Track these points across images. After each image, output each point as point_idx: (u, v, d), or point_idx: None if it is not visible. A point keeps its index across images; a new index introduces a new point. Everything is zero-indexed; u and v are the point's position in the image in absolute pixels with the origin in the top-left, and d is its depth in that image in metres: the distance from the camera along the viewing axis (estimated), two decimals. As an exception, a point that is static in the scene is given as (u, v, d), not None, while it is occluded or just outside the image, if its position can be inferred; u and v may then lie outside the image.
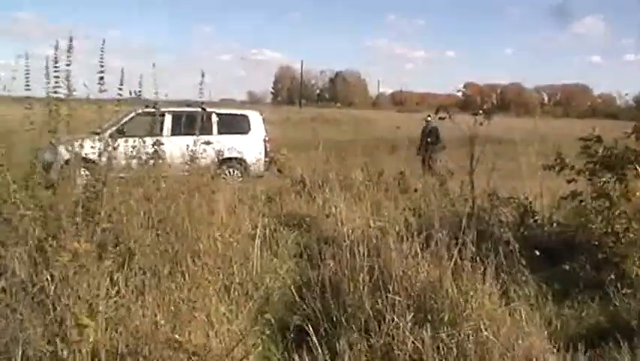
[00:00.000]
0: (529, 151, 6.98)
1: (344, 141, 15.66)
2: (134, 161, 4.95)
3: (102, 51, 4.66)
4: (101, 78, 4.59)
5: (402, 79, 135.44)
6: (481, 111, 5.36)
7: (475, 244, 4.15)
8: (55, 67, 4.43)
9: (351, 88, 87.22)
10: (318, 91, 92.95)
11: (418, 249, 4.23)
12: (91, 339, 2.76)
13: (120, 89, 4.80)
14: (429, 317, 3.60)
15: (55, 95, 4.44)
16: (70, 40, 4.43)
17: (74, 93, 4.49)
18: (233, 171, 10.40)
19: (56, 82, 4.43)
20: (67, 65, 4.43)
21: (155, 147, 5.12)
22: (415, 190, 7.13)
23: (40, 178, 4.39)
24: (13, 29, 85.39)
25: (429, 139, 11.80)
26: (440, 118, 5.91)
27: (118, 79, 4.73)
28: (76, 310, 2.99)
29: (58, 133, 4.49)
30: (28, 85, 4.52)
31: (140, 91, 5.06)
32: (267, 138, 11.41)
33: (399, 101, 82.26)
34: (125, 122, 8.75)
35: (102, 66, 4.60)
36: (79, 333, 2.74)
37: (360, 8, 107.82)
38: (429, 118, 12.35)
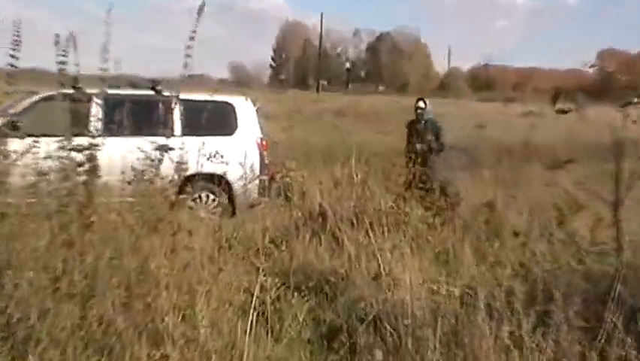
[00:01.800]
0: None
1: (391, 149, 15.63)
2: (45, 177, 4.89)
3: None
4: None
5: (487, 46, 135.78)
6: (637, 99, 5.22)
7: (628, 330, 4.06)
8: None
9: (403, 60, 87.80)
10: (347, 65, 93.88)
11: (527, 336, 4.16)
12: None
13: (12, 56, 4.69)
14: None
15: None
16: None
17: None
18: (208, 197, 10.38)
19: None
20: None
21: (86, 153, 5.08)
22: (516, 234, 7.02)
23: None
24: None
25: (421, 144, 11.30)
26: (559, 112, 5.79)
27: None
28: None
29: None
30: None
31: (63, 62, 5.02)
32: (264, 142, 11.39)
33: (483, 82, 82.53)
34: (22, 113, 8.76)
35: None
36: None
37: None
38: (421, 105, 11.87)
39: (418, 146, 11.14)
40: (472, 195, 9.93)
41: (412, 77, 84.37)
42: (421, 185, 9.75)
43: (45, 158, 4.96)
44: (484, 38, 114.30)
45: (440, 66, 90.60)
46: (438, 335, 4.25)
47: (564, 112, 5.66)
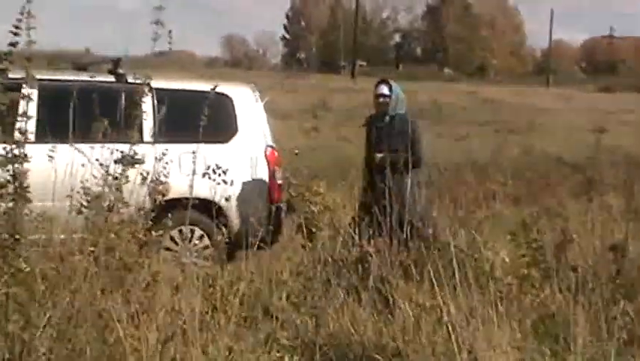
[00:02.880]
0: None
1: (464, 163, 15.76)
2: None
3: None
4: None
5: (610, 9, 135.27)
6: None
7: None
8: None
9: (480, 31, 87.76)
10: (397, 38, 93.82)
11: None
12: None
13: None
14: None
15: None
16: None
17: None
18: (193, 233, 10.39)
19: None
20: None
21: (10, 168, 5.15)
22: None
23: None
24: None
25: (382, 154, 10.37)
26: None
27: None
28: None
29: None
30: None
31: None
32: (275, 153, 11.43)
33: (604, 62, 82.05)
34: None
35: None
36: None
37: None
38: (384, 90, 10.71)
39: (378, 156, 10.37)
40: (589, 234, 9.86)
41: (493, 55, 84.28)
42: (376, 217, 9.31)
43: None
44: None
45: (537, 39, 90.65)
46: None
47: None
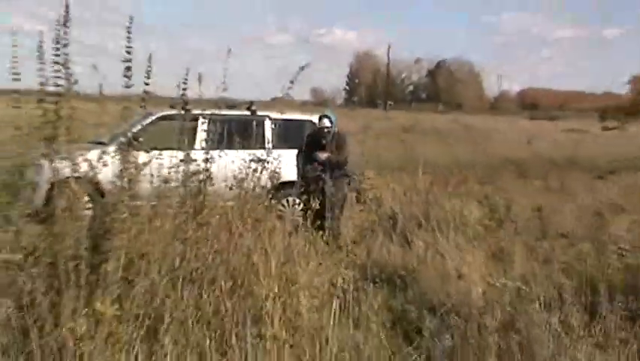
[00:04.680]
0: None
1: (451, 161, 15.50)
2: (167, 184, 5.01)
3: (129, 29, 4.60)
4: (128, 68, 4.57)
5: (535, 72, 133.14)
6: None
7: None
8: (56, 49, 4.29)
9: (459, 84, 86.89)
10: (410, 88, 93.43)
11: (576, 323, 4.07)
12: None
13: (146, 83, 4.82)
14: None
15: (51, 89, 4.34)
16: (67, 8, 4.32)
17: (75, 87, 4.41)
18: (295, 201, 10.39)
19: (56, 70, 4.31)
20: (65, 45, 4.31)
21: (206, 163, 5.30)
22: (564, 236, 6.88)
23: (25, 208, 4.43)
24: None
25: (324, 154, 9.02)
26: (605, 129, 5.69)
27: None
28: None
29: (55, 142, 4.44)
30: (17, 74, 4.38)
31: (185, 87, 5.24)
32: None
33: (530, 103, 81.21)
34: (141, 129, 8.91)
35: (129, 52, 4.54)
36: None
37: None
38: (327, 123, 9.28)
39: (322, 156, 8.94)
40: (524, 201, 9.78)
41: (466, 99, 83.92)
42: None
43: (168, 168, 5.09)
44: (532, 64, 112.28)
45: (492, 89, 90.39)
46: (494, 321, 4.20)
47: (609, 129, 5.37)
